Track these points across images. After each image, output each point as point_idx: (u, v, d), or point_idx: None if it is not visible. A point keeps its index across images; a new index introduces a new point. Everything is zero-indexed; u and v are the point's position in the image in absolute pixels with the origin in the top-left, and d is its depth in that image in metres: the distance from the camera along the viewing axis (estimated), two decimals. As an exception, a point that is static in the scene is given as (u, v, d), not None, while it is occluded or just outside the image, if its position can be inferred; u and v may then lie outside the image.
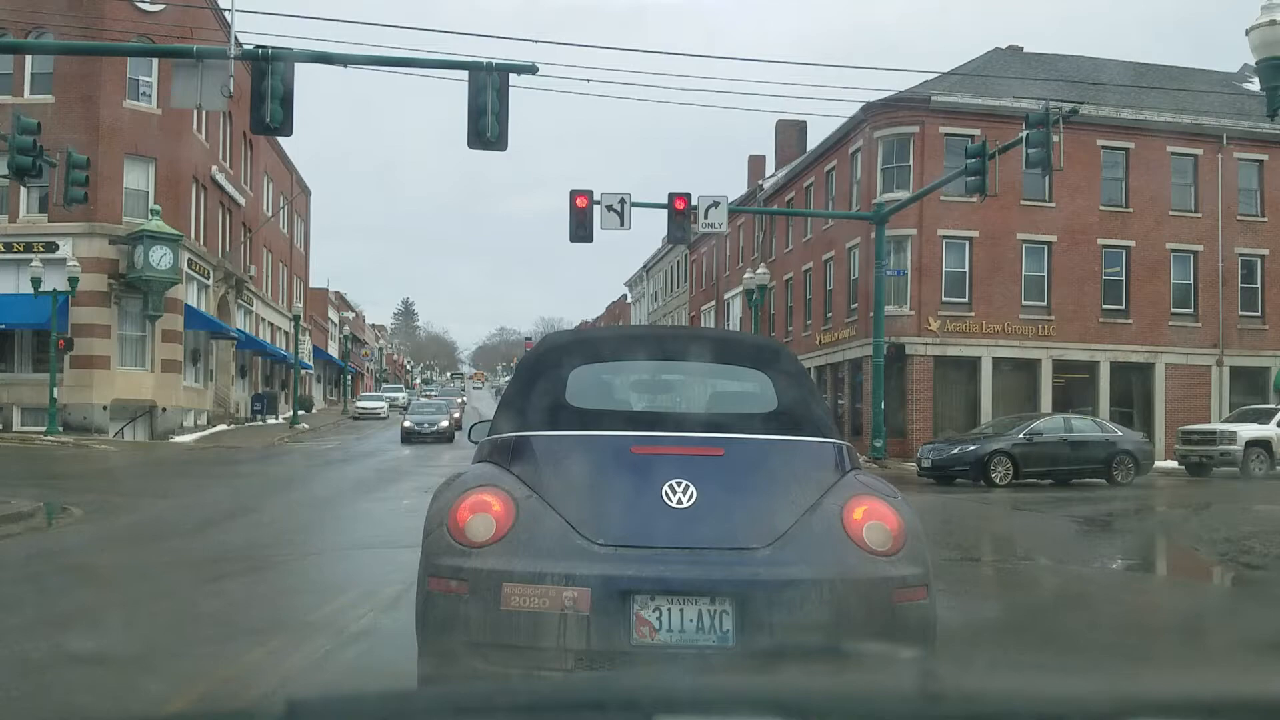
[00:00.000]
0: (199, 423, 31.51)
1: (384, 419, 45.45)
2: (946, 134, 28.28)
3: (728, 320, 44.45)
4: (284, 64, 11.72)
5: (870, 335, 24.28)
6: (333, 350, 63.42)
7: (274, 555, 8.86)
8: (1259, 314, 30.66)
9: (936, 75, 29.80)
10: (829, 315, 33.64)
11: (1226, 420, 24.90)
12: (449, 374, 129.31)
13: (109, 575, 7.92)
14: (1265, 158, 30.43)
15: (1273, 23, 10.19)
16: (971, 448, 19.41)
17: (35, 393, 26.48)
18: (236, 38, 12.63)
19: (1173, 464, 25.22)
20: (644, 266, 66.87)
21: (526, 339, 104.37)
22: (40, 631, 5.54)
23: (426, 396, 53.91)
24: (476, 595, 3.03)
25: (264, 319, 42.36)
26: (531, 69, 12.17)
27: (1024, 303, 29.22)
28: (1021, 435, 19.52)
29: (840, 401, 31.90)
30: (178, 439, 28.05)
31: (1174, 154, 29.97)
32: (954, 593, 6.63)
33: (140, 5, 27.06)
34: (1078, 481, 19.67)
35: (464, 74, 12.15)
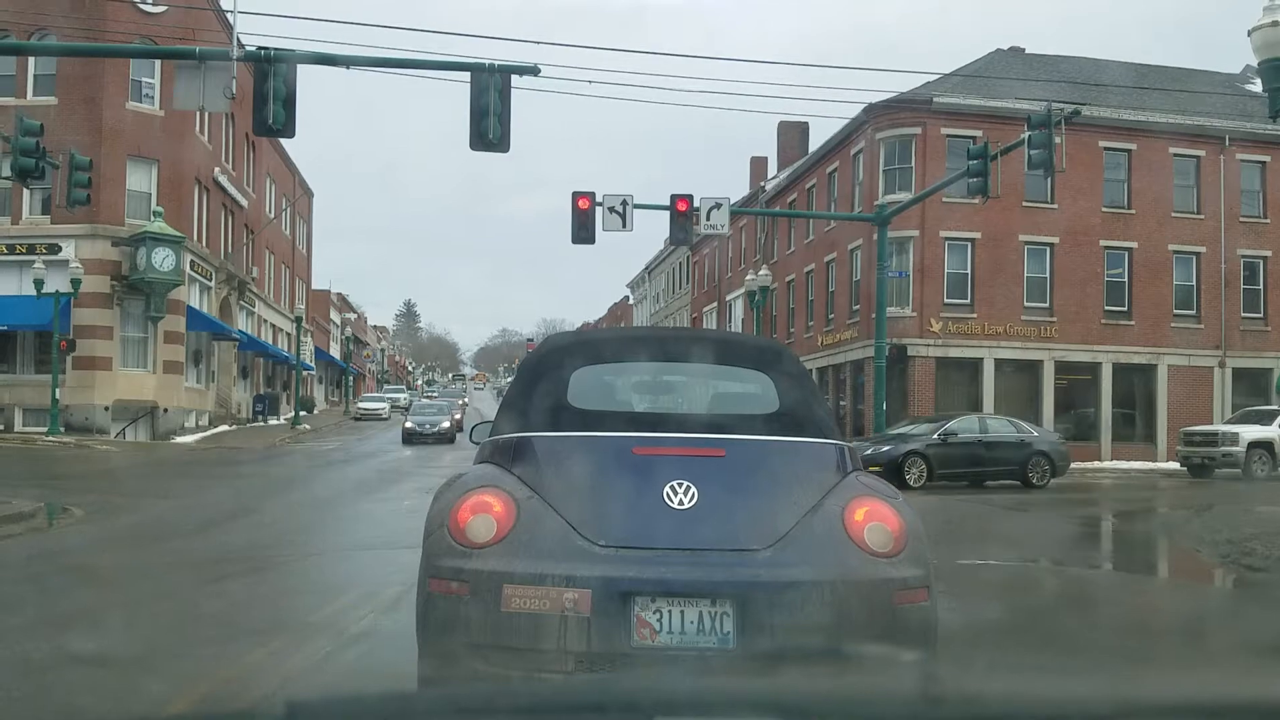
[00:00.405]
0: (200, 423, 31.53)
1: (385, 420, 45.46)
2: (948, 135, 28.28)
3: (730, 322, 44.45)
4: (286, 65, 11.72)
5: (872, 337, 24.27)
6: (334, 351, 63.46)
7: (275, 556, 8.86)
8: (1261, 315, 30.64)
9: (938, 76, 29.81)
10: (831, 317, 33.64)
11: (1229, 422, 24.87)
12: (450, 375, 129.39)
13: (110, 576, 7.92)
14: (1268, 159, 30.41)
15: (1274, 24, 10.18)
16: (885, 448, 18.90)
17: (37, 393, 26.52)
18: (239, 39, 12.64)
19: (1175, 465, 25.20)
20: (646, 268, 66.88)
21: (528, 340, 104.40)
22: (41, 632, 5.55)
23: (428, 397, 53.92)
24: (477, 596, 3.02)
25: (266, 320, 42.38)
26: (533, 70, 12.18)
27: (1026, 304, 29.21)
28: (936, 436, 19.01)
29: (842, 403, 31.91)
30: (179, 440, 28.07)
31: (1176, 155, 29.96)
32: (954, 594, 6.62)
33: (143, 7, 27.08)
34: (992, 483, 19.15)
35: (466, 75, 12.15)
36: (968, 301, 28.94)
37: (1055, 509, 16.69)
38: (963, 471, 19.04)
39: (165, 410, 28.54)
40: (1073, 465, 27.40)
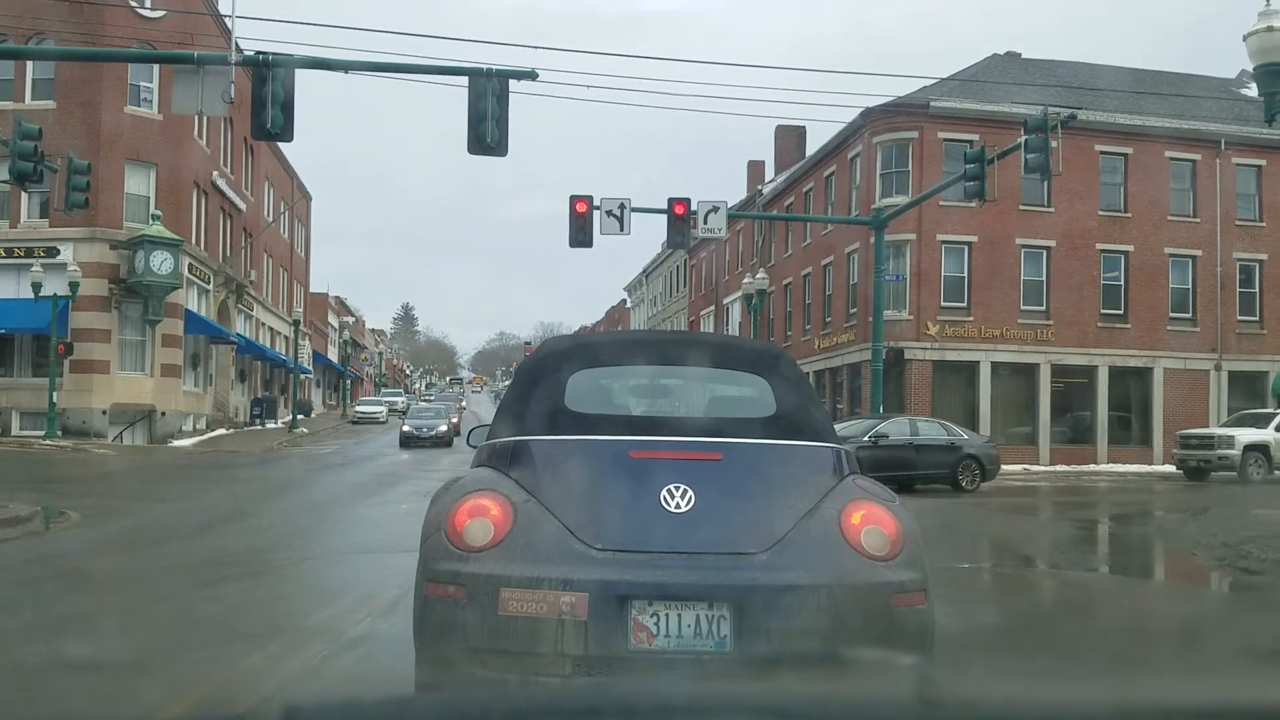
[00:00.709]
0: (198, 427, 31.47)
1: (383, 424, 45.43)
2: (945, 139, 28.33)
3: (727, 325, 44.44)
4: (284, 70, 11.72)
5: (869, 340, 24.28)
6: (332, 355, 63.42)
7: (272, 560, 8.84)
8: (1257, 319, 30.68)
9: (935, 81, 29.87)
10: (828, 320, 33.65)
11: (1225, 425, 24.90)
12: (448, 378, 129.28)
13: (106, 580, 7.90)
14: (1263, 163, 30.47)
15: (1270, 29, 10.21)
16: None
17: (35, 397, 26.47)
18: (237, 44, 12.63)
19: (1171, 468, 25.22)
20: (643, 271, 66.89)
21: (526, 344, 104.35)
22: (36, 636, 5.53)
23: (425, 401, 53.87)
24: (474, 600, 3.02)
25: (264, 324, 42.35)
26: (531, 75, 12.19)
27: (1023, 307, 29.24)
28: (867, 438, 18.71)
29: (839, 406, 31.90)
30: (176, 443, 28.01)
31: (1172, 159, 30.01)
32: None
33: (141, 11, 27.07)
34: (922, 487, 18.78)
35: (464, 80, 12.16)
36: (964, 305, 28.96)
37: (1051, 512, 16.71)
38: (893, 475, 18.72)
39: (163, 414, 28.49)
40: (1069, 469, 27.55)
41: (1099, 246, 29.65)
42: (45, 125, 16.35)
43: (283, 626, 5.97)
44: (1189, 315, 30.34)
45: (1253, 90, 19.49)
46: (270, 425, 38.52)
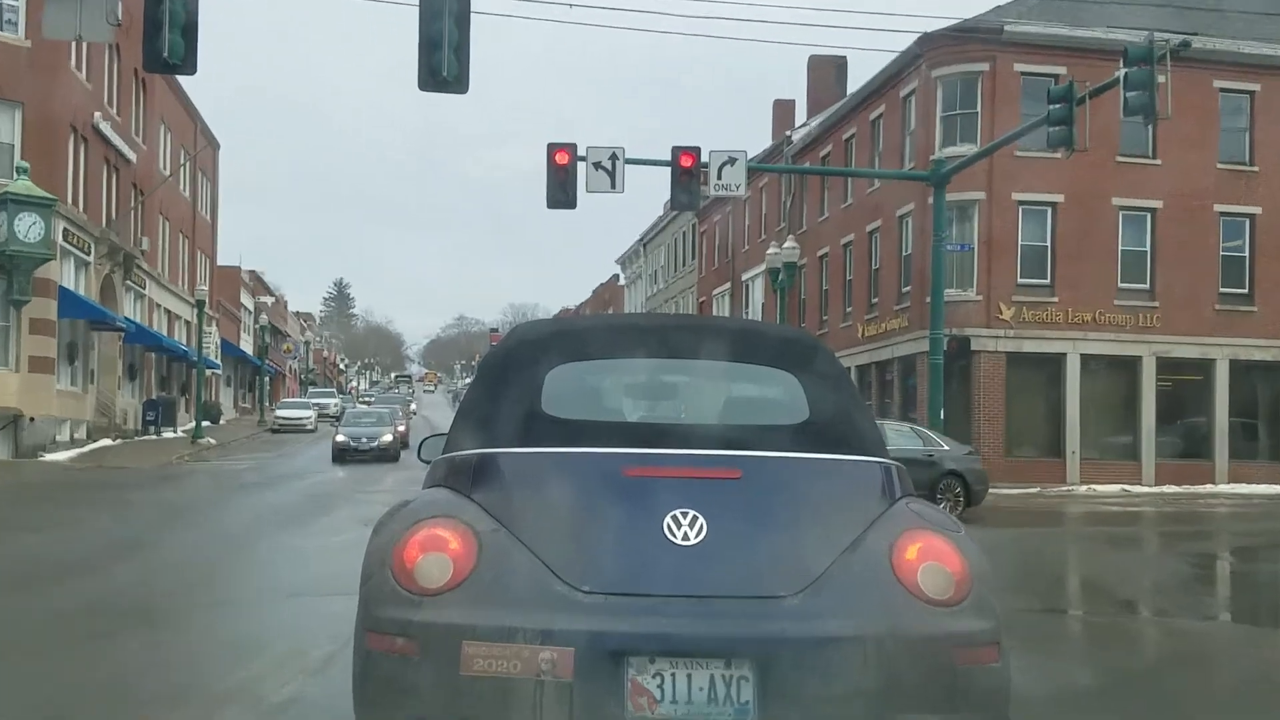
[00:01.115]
0: (76, 436, 31.50)
1: (310, 431, 45.65)
2: (1023, 73, 28.37)
3: (747, 307, 44.53)
4: (185, -17, 11.70)
5: (926, 326, 24.32)
6: (246, 345, 63.47)
7: (174, 605, 8.87)
8: None
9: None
10: (874, 301, 33.72)
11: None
12: (393, 375, 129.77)
13: (-37, 630, 7.91)
14: None
15: None
16: None
17: None
18: (125, -51, 12.64)
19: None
20: (641, 240, 66.98)
21: (492, 331, 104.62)
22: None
23: (364, 403, 53.96)
24: (429, 656, 3.03)
25: (160, 305, 42.37)
26: (499, -10, 12.18)
27: (1120, 285, 29.32)
28: None
29: (889, 408, 31.98)
30: (49, 456, 28.03)
31: (1311, 98, 30.05)
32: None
33: (2, -92, 27.02)
34: None
35: (413, -4, 12.15)
36: (1047, 282, 29.02)
37: (1157, 544, 16.77)
38: None
39: (31, 419, 28.48)
40: (1180, 490, 27.62)
41: (1217, 208, 29.71)
42: (-118, 54, 16.35)
43: (190, 689, 5.99)
44: (1331, 295, 30.42)
45: None
46: (168, 434, 38.60)
